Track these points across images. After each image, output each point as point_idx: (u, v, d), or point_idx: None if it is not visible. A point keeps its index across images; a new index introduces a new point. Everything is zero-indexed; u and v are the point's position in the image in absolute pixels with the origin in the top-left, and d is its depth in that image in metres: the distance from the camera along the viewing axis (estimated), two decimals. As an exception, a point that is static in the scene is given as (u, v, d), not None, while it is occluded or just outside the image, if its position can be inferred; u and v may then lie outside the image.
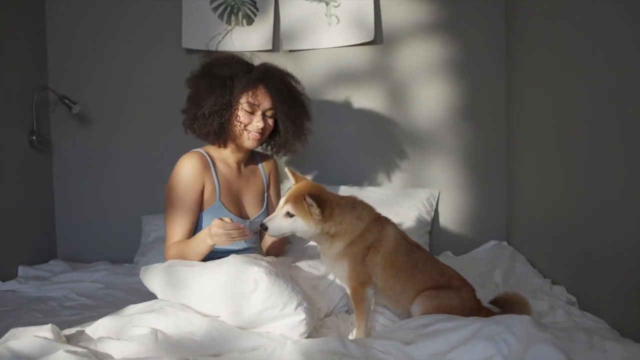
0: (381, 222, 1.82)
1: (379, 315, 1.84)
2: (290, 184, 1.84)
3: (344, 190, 2.71)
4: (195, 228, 2.01)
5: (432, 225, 2.88)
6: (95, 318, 1.69)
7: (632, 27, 1.60)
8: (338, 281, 1.90)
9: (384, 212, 1.90)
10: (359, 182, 2.90)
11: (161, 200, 2.04)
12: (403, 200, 2.79)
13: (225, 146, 2.08)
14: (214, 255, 1.89)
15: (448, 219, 2.93)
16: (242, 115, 2.00)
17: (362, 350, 1.45)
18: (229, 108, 1.99)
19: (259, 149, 2.23)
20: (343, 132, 2.93)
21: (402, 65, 2.89)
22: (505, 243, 2.81)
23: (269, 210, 2.21)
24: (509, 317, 1.48)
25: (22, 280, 2.46)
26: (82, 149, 3.02)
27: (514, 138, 2.78)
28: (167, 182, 2.00)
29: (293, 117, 2.09)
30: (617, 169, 1.69)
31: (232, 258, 1.72)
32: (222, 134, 2.02)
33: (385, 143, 2.92)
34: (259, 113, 2.02)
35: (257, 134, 2.03)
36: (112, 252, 2.96)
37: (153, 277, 1.82)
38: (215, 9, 2.91)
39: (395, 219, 1.97)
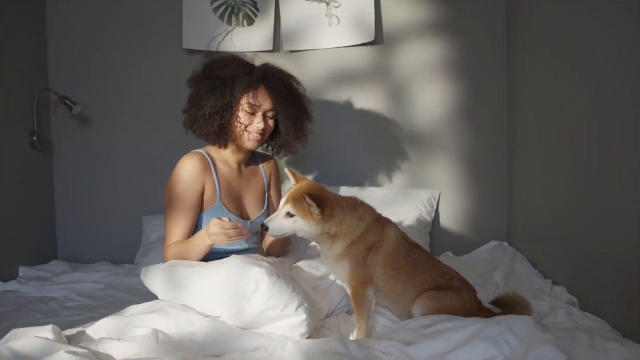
0: (382, 223, 1.82)
1: (380, 316, 1.84)
2: (291, 185, 1.84)
3: (345, 191, 2.72)
4: (195, 229, 2.00)
5: (433, 226, 2.88)
6: (96, 319, 1.69)
7: (632, 28, 1.60)
8: (339, 282, 1.89)
9: (384, 212, 1.89)
10: (359, 182, 2.91)
11: (162, 201, 2.03)
12: (404, 201, 2.79)
13: (225, 147, 2.08)
14: (215, 256, 1.89)
15: (449, 220, 2.93)
16: (242, 116, 2.00)
17: (363, 351, 1.45)
18: (230, 109, 1.99)
19: (260, 150, 2.23)
20: (344, 132, 2.94)
21: (403, 66, 2.89)
22: (506, 244, 2.81)
23: (270, 211, 2.21)
24: (511, 317, 1.48)
25: (23, 281, 2.46)
26: (82, 149, 3.02)
27: (514, 138, 2.78)
28: (168, 183, 2.00)
29: (294, 118, 2.09)
30: (617, 170, 1.69)
31: (234, 259, 1.72)
32: (222, 135, 2.03)
33: (385, 143, 2.92)
34: (259, 114, 2.02)
35: (257, 135, 2.03)
36: (113, 252, 2.96)
37: (154, 278, 1.82)
38: (216, 9, 2.91)
39: (395, 219, 1.97)
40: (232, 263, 1.68)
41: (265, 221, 1.74)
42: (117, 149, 3.01)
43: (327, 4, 2.86)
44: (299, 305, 1.61)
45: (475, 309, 1.75)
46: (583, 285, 1.96)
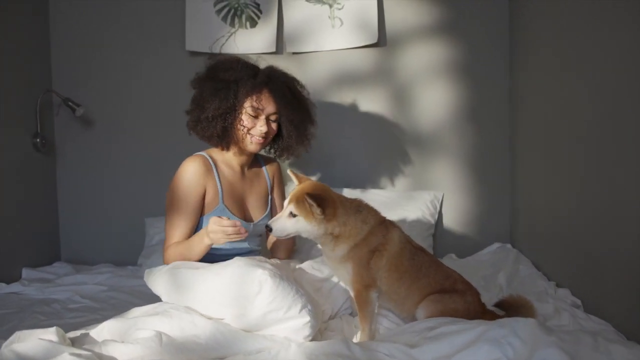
0: (386, 225, 1.81)
1: (383, 318, 1.83)
2: (295, 186, 1.84)
3: (347, 193, 2.71)
4: (195, 232, 2.01)
5: (436, 228, 2.88)
6: (99, 320, 1.69)
7: (634, 28, 1.60)
8: (342, 284, 1.89)
9: (387, 214, 1.89)
10: (362, 184, 2.90)
11: (164, 203, 2.04)
12: (407, 203, 2.79)
13: (228, 149, 2.08)
14: (218, 258, 1.89)
15: (452, 222, 2.93)
16: (245, 119, 2.00)
17: (366, 353, 1.45)
18: (233, 112, 1.99)
19: (262, 152, 2.23)
20: (347, 134, 2.93)
21: (406, 68, 2.89)
22: (509, 245, 2.80)
23: (273, 213, 2.22)
24: (514, 320, 1.48)
25: (26, 283, 2.47)
26: (85, 151, 3.02)
27: (517, 140, 2.77)
28: (169, 185, 2.01)
29: (296, 122, 2.09)
30: (620, 171, 1.68)
31: (237, 260, 1.71)
32: (225, 137, 2.03)
33: (388, 145, 2.92)
34: (262, 117, 2.02)
35: (260, 138, 2.03)
36: (116, 254, 2.96)
37: (157, 280, 1.82)
38: (218, 11, 2.91)
39: (398, 221, 1.97)
40: (235, 265, 1.68)
41: (269, 222, 1.75)
42: (120, 150, 3.02)
43: (330, 6, 2.86)
44: (302, 307, 1.61)
45: (478, 312, 1.75)
46: (587, 287, 1.95)
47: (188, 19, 2.91)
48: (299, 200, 1.70)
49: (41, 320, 1.99)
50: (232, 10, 2.91)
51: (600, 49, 1.82)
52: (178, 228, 1.97)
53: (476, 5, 2.84)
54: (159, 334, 1.48)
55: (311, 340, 1.61)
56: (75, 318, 2.02)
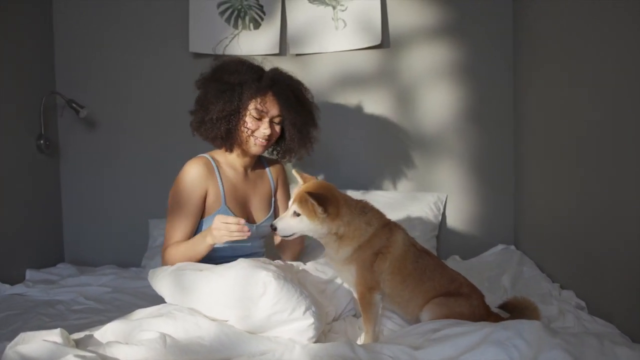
0: (390, 228, 1.81)
1: (387, 320, 1.83)
2: (300, 185, 1.84)
3: (351, 194, 2.67)
4: (195, 234, 2.01)
5: (440, 229, 2.87)
6: (103, 322, 1.69)
7: (637, 29, 1.59)
8: (346, 285, 1.89)
9: (391, 216, 1.89)
10: (366, 185, 2.90)
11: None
12: (410, 204, 2.79)
13: (231, 151, 2.08)
14: (221, 260, 1.89)
15: (455, 223, 2.92)
16: (249, 121, 2.01)
17: (370, 355, 1.44)
18: (237, 114, 1.99)
19: (265, 154, 2.24)
20: (350, 135, 2.93)
21: (409, 69, 2.89)
22: (513, 247, 2.80)
23: (276, 214, 2.22)
24: (519, 322, 1.47)
25: (30, 284, 2.47)
26: (89, 152, 3.03)
27: (521, 141, 2.77)
28: (172, 187, 2.01)
29: (300, 125, 2.08)
30: (626, 172, 1.68)
31: (241, 262, 1.71)
32: (228, 139, 2.03)
33: (392, 146, 2.92)
34: (266, 120, 2.02)
35: (263, 140, 2.03)
36: (120, 255, 2.97)
37: (162, 281, 1.82)
38: (222, 13, 2.92)
39: (402, 222, 1.96)
40: (239, 266, 1.68)
41: (274, 221, 1.75)
42: (123, 152, 3.02)
43: (333, 7, 2.86)
44: (307, 309, 1.60)
45: (484, 315, 1.74)
46: (591, 289, 1.95)
47: (191, 20, 2.91)
48: (302, 199, 1.69)
49: (45, 321, 1.99)
50: (236, 12, 2.91)
51: (604, 49, 1.82)
52: (178, 229, 1.98)
53: (480, 7, 2.84)
54: (163, 336, 1.48)
55: (315, 342, 1.61)
56: (79, 319, 2.02)
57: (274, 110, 2.02)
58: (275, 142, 2.14)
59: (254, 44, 2.90)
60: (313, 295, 1.74)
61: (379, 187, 2.92)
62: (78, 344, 1.52)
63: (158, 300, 1.84)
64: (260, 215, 2.15)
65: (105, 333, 1.58)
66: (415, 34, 2.88)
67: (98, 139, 3.03)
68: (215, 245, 1.89)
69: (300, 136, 2.11)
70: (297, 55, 2.91)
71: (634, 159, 1.63)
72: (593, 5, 1.90)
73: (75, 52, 3.00)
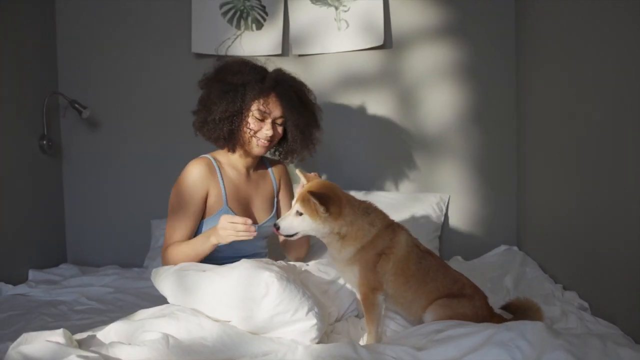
0: (393, 228, 1.80)
1: (390, 320, 1.83)
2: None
3: (354, 195, 2.70)
4: (196, 235, 2.01)
5: (442, 230, 2.87)
6: (105, 322, 1.69)
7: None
8: (348, 286, 1.89)
9: (393, 216, 1.88)
10: (368, 186, 2.90)
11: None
12: (413, 205, 2.79)
13: (233, 151, 2.08)
14: (224, 260, 1.89)
15: (458, 224, 2.92)
16: (252, 122, 2.01)
17: (373, 355, 1.44)
18: (240, 115, 1.99)
19: (268, 154, 2.24)
20: (353, 136, 2.93)
21: (412, 70, 2.89)
22: (515, 248, 2.80)
23: (279, 215, 2.22)
24: (522, 323, 1.47)
25: (33, 284, 2.47)
26: (92, 153, 3.03)
27: (523, 142, 2.77)
28: (173, 187, 2.02)
29: (302, 126, 2.08)
30: (629, 173, 1.67)
31: (244, 263, 1.71)
32: (231, 140, 2.03)
33: (394, 147, 2.92)
34: (269, 121, 2.02)
35: (265, 141, 2.03)
36: (122, 256, 2.97)
37: (164, 281, 1.82)
38: (224, 13, 2.92)
39: (405, 223, 1.96)
40: (242, 267, 1.68)
41: (277, 220, 1.75)
42: (126, 152, 3.03)
43: (336, 8, 2.86)
44: (309, 310, 1.60)
45: (487, 316, 1.73)
46: (594, 290, 1.94)
47: (194, 21, 2.92)
48: (304, 198, 1.69)
49: (48, 321, 1.99)
50: (238, 13, 2.91)
51: (607, 49, 1.81)
52: (178, 230, 1.98)
53: (482, 7, 2.84)
54: (166, 336, 1.48)
55: (318, 342, 1.61)
56: (81, 320, 2.02)
57: (276, 111, 2.02)
58: (278, 143, 2.14)
59: (256, 44, 2.91)
60: (316, 296, 1.74)
61: (381, 188, 2.92)
62: (81, 344, 1.53)
63: (161, 300, 1.84)
64: (262, 215, 2.15)
65: (108, 333, 1.59)
66: (417, 35, 2.88)
67: (101, 140, 3.03)
68: (218, 246, 1.90)
69: (302, 137, 2.11)
70: (300, 55, 2.91)
71: (635, 159, 1.63)
72: (594, 5, 1.90)
73: (77, 52, 3.01)
